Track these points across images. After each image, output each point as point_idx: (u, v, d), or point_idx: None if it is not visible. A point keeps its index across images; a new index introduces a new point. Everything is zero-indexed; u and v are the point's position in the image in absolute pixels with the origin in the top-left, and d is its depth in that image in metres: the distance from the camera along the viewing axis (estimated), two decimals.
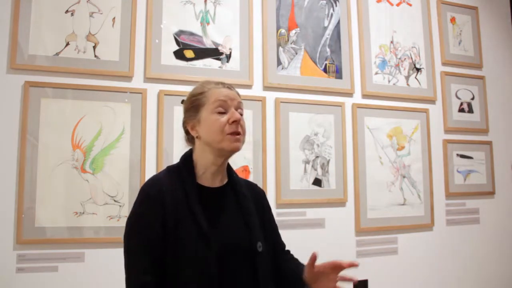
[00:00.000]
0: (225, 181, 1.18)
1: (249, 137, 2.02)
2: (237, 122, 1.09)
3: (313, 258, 1.09)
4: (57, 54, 1.78)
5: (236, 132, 1.09)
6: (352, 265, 1.09)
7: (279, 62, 2.15)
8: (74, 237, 1.71)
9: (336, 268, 1.10)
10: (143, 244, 1.01)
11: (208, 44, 2.03)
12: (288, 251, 1.31)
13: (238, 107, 1.13)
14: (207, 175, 1.14)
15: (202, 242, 1.01)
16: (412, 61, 2.48)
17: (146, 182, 1.11)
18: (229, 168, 1.21)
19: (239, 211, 1.14)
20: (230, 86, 1.16)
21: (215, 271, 1.00)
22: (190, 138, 1.18)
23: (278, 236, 1.29)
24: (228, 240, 1.07)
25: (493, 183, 2.60)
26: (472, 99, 2.62)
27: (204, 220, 1.04)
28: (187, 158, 1.15)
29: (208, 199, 1.10)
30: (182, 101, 1.20)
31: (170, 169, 1.15)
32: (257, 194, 1.26)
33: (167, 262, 1.01)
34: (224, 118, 1.09)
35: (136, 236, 1.04)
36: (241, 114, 1.14)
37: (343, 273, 1.10)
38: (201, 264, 1.00)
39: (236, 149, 1.11)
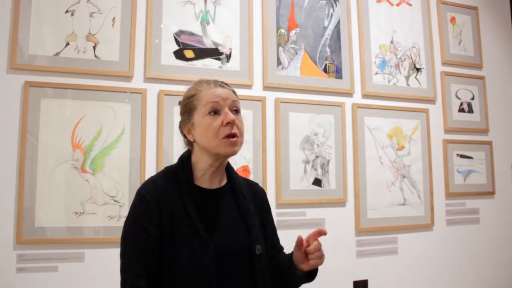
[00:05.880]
0: (224, 181, 1.16)
1: (249, 137, 2.02)
2: (231, 123, 1.06)
3: (299, 241, 1.07)
4: (57, 54, 1.78)
5: (232, 134, 1.06)
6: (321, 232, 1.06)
7: (279, 62, 2.15)
8: (74, 237, 1.71)
9: (315, 237, 1.07)
10: (138, 248, 1.00)
11: (208, 44, 2.03)
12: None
13: (233, 105, 1.09)
14: (206, 177, 1.12)
15: (199, 245, 1.00)
16: (412, 61, 2.48)
17: (142, 185, 1.10)
18: (229, 167, 1.19)
19: (238, 212, 1.12)
20: (223, 84, 1.12)
21: (212, 275, 0.99)
22: (188, 141, 1.15)
23: (277, 238, 1.27)
24: (226, 243, 1.05)
25: (493, 183, 2.60)
26: (472, 99, 2.62)
27: (201, 222, 1.03)
28: (185, 159, 1.13)
29: (206, 201, 1.09)
30: (179, 103, 1.17)
31: (168, 171, 1.13)
32: (257, 194, 1.24)
33: (164, 265, 1.00)
34: (218, 120, 1.05)
35: (132, 240, 1.02)
36: (237, 111, 1.10)
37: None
38: (198, 268, 0.99)
39: (233, 154, 1.08)
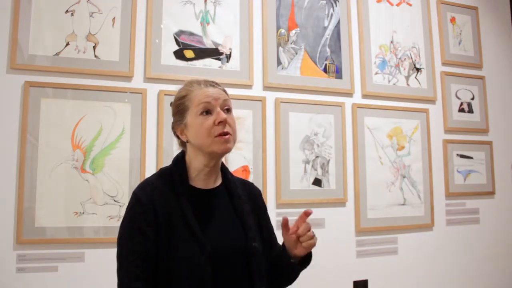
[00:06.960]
0: (219, 181, 1.16)
1: (249, 137, 2.02)
2: (223, 122, 1.06)
3: (285, 221, 1.09)
4: (57, 54, 1.78)
5: (224, 133, 1.06)
6: (307, 213, 1.08)
7: (279, 62, 2.15)
8: (74, 237, 1.71)
9: (303, 219, 1.10)
10: (135, 250, 1.00)
11: (208, 44, 2.03)
12: None
13: (224, 104, 1.10)
14: (201, 177, 1.12)
15: (195, 246, 1.00)
16: (412, 61, 2.48)
17: (138, 186, 1.10)
18: (223, 167, 1.19)
19: (234, 212, 1.12)
20: (214, 84, 1.12)
21: (209, 275, 0.99)
22: (181, 142, 1.15)
23: (274, 237, 1.27)
24: (222, 243, 1.05)
25: (493, 183, 2.60)
26: (472, 99, 2.62)
27: (197, 223, 1.03)
28: (179, 160, 1.13)
29: (201, 201, 1.09)
30: (171, 104, 1.17)
31: (163, 172, 1.13)
32: (253, 194, 1.23)
33: (160, 266, 1.00)
34: (210, 120, 1.06)
35: (128, 242, 1.02)
36: (229, 110, 1.11)
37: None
38: (194, 268, 0.99)
39: (227, 151, 1.08)
